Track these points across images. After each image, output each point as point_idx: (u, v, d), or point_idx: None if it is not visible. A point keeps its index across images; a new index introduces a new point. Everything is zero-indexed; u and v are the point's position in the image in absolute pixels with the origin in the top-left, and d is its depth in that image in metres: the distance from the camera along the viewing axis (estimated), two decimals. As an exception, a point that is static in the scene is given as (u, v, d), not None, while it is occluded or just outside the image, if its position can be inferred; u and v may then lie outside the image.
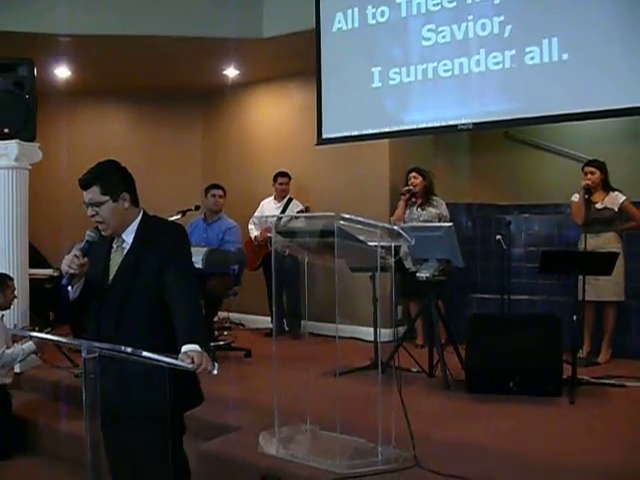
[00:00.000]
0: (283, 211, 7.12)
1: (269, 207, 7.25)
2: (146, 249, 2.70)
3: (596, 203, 5.56)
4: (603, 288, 5.40)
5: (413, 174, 6.21)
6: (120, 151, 7.21)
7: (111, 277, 2.72)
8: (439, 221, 5.94)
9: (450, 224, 5.31)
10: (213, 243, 6.16)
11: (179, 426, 2.79)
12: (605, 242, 5.48)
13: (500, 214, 6.99)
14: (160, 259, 2.66)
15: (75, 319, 5.81)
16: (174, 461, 2.64)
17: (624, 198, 5.57)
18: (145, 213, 2.82)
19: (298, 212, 6.95)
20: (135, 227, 2.76)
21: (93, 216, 2.69)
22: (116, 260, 2.74)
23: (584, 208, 5.39)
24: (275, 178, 7.29)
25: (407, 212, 6.18)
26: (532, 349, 4.63)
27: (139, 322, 2.65)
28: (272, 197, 7.35)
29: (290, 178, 7.29)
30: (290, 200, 7.23)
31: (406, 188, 6.18)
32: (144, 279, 2.66)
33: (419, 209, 6.15)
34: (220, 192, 6.50)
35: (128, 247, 2.73)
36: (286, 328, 7.05)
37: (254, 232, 7.10)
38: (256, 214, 7.14)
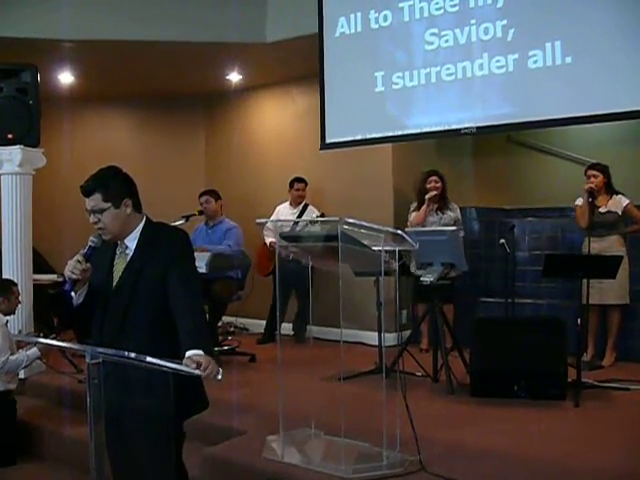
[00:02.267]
0: (299, 217, 6.93)
1: (285, 212, 7.10)
2: (149, 255, 2.69)
3: (599, 207, 5.54)
4: (607, 291, 5.40)
5: (434, 178, 6.11)
6: (123, 156, 7.30)
7: (115, 283, 2.72)
8: (455, 225, 5.86)
9: (454, 227, 5.31)
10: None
11: (179, 434, 2.78)
12: (609, 245, 5.47)
13: (504, 218, 6.98)
14: (163, 265, 2.65)
15: (78, 324, 5.81)
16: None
17: (627, 201, 5.55)
18: (148, 219, 2.81)
19: None
20: (138, 233, 2.75)
21: (95, 223, 2.69)
22: (119, 266, 2.74)
23: (588, 212, 5.39)
24: (291, 184, 7.14)
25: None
26: (536, 353, 4.62)
27: (142, 328, 2.64)
28: (287, 202, 7.20)
29: (306, 184, 7.15)
30: (306, 206, 7.11)
31: (433, 193, 6.04)
32: (147, 285, 2.66)
33: (439, 213, 6.10)
34: (206, 197, 6.46)
35: (131, 253, 2.73)
36: (292, 332, 7.02)
37: (269, 238, 6.64)
38: (271, 219, 6.78)
